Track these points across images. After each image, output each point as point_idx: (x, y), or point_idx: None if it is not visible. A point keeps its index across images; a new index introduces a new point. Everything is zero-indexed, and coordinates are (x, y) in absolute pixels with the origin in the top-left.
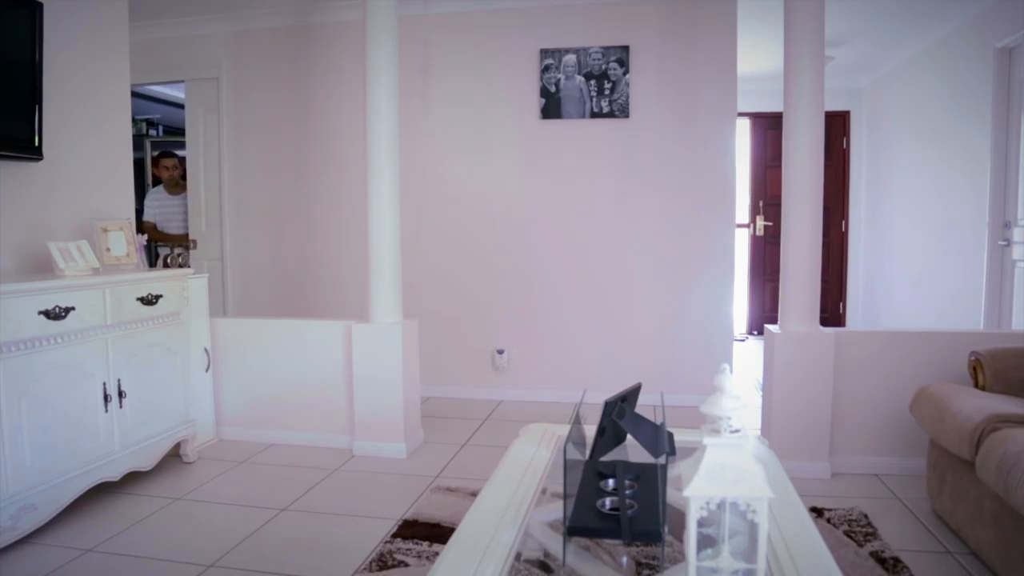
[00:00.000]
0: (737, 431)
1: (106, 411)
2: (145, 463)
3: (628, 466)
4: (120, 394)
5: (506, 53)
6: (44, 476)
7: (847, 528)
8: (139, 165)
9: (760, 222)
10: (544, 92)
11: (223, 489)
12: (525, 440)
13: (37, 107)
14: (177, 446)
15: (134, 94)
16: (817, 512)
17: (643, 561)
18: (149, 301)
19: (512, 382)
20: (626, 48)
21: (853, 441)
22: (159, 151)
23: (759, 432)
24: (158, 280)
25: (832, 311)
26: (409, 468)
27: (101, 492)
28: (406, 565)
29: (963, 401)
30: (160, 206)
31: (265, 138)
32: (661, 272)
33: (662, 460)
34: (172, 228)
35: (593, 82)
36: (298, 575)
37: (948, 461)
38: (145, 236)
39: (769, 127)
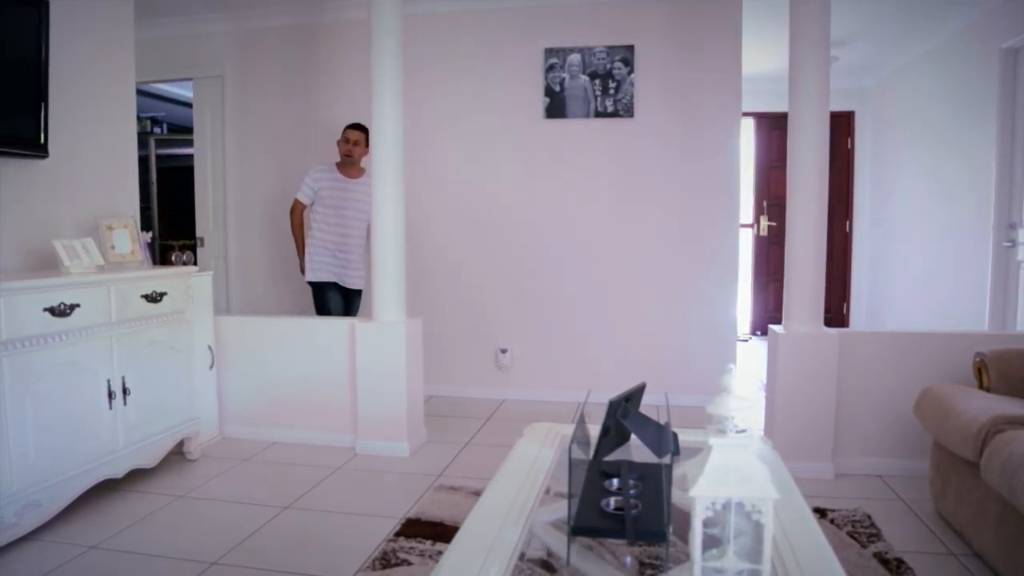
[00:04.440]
0: (743, 431)
1: (110, 408)
2: (148, 461)
3: (632, 466)
4: (124, 391)
5: (510, 52)
6: (48, 473)
7: (850, 529)
8: (143, 163)
9: (764, 222)
10: (548, 91)
11: (226, 487)
12: (529, 439)
13: (42, 105)
14: (180, 444)
15: (138, 92)
16: (820, 513)
17: (646, 561)
18: (153, 299)
19: (515, 381)
20: (631, 48)
21: (856, 442)
22: (349, 123)
23: (762, 432)
24: (162, 278)
25: (835, 311)
26: (412, 467)
27: (104, 489)
28: (409, 564)
29: (967, 402)
30: (327, 186)
31: (269, 137)
32: (664, 271)
33: (666, 460)
34: (349, 223)
35: (597, 81)
36: (301, 573)
37: (952, 462)
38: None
39: (773, 127)
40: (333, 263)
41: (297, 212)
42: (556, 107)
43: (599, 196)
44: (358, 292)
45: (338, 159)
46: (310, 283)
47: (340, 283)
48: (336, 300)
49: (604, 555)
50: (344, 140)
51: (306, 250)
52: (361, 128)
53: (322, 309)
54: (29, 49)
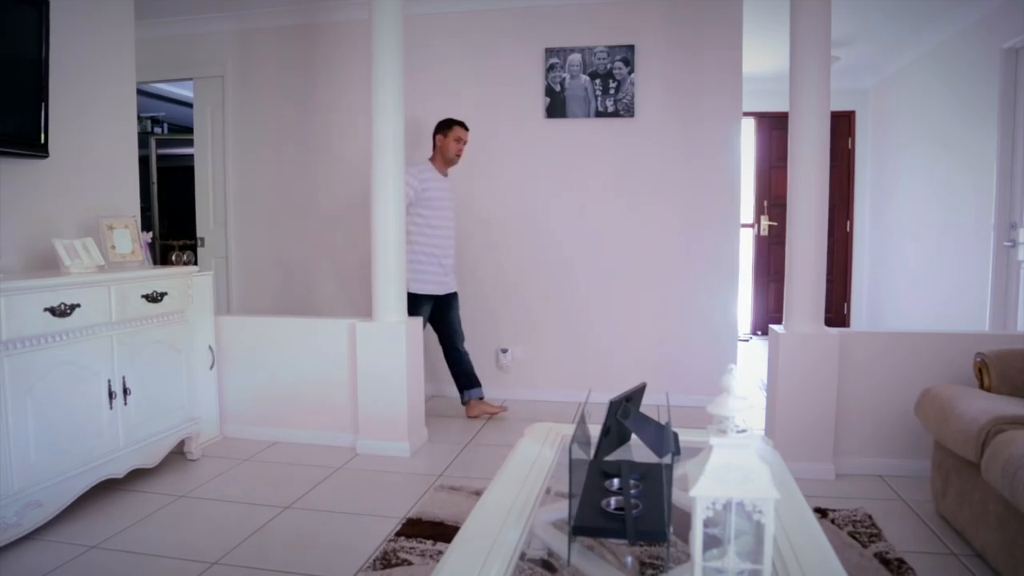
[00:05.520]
0: (744, 431)
1: (111, 408)
2: (149, 460)
3: (633, 466)
4: (125, 391)
5: (511, 52)
6: (49, 473)
7: (851, 529)
8: (144, 162)
9: (764, 222)
10: (549, 91)
11: (227, 487)
12: (530, 439)
13: (43, 105)
14: (181, 443)
15: (139, 92)
16: (821, 513)
17: (647, 561)
18: (154, 299)
19: (516, 381)
20: (631, 47)
21: (857, 442)
22: (448, 118)
23: (763, 432)
24: (163, 277)
25: (836, 311)
26: (413, 467)
27: (105, 489)
28: (410, 564)
29: (968, 402)
30: (434, 186)
31: (269, 137)
32: (665, 271)
33: (667, 460)
34: (452, 224)
35: (598, 81)
36: (302, 573)
37: (953, 463)
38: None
39: (774, 127)
40: (439, 272)
41: None
42: (557, 107)
43: (599, 196)
44: (455, 293)
45: (429, 156)
46: (408, 293)
47: (441, 292)
48: (428, 313)
49: (605, 555)
50: (456, 139)
51: (406, 258)
52: (468, 128)
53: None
54: (30, 49)
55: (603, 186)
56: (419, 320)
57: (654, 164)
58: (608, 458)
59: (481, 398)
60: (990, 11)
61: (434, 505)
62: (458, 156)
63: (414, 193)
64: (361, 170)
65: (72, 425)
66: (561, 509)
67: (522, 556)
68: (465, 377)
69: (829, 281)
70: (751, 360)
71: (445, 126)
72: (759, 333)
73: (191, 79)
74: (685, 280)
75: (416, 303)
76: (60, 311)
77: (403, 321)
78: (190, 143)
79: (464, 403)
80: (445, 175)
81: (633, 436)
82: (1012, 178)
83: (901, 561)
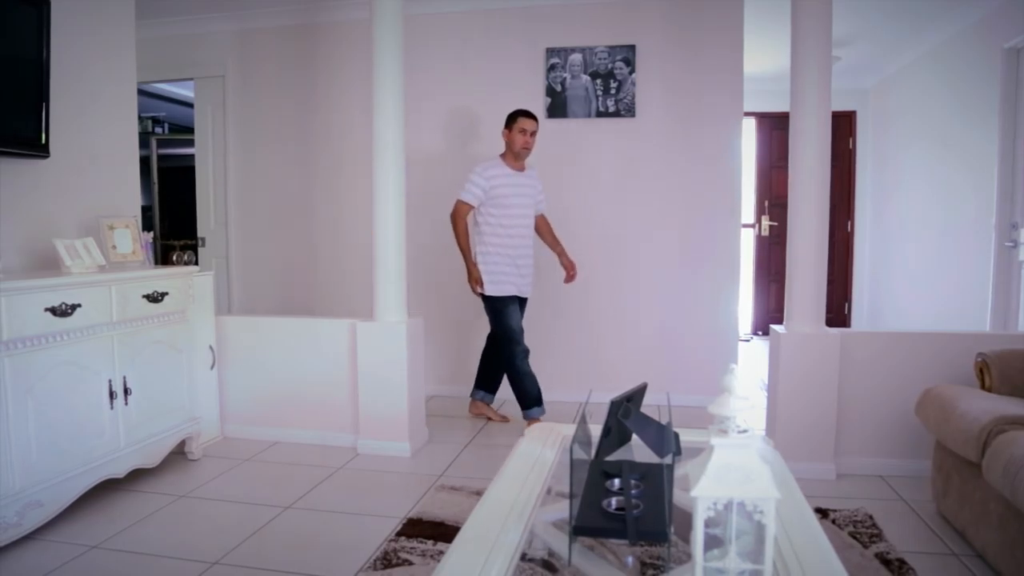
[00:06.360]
0: (745, 431)
1: (111, 408)
2: (150, 460)
3: (634, 466)
4: (125, 391)
5: (512, 52)
6: (50, 473)
7: (852, 529)
8: (145, 162)
9: (765, 222)
10: (550, 91)
11: (227, 487)
12: (530, 440)
13: (44, 105)
14: (182, 443)
15: (140, 92)
16: (822, 513)
17: (648, 561)
18: (155, 299)
19: None
20: (632, 47)
21: (858, 442)
22: (513, 110)
23: (763, 432)
24: (164, 277)
25: (837, 311)
26: (413, 467)
27: (106, 489)
28: (410, 564)
29: (969, 403)
30: (503, 183)
31: (270, 137)
32: (666, 271)
33: (668, 460)
34: (526, 223)
35: (599, 81)
36: (302, 573)
37: (954, 463)
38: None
39: (775, 127)
40: (514, 274)
41: (463, 217)
42: (558, 107)
43: (600, 196)
44: (525, 299)
45: (501, 152)
46: (488, 297)
47: (518, 294)
48: (518, 313)
49: (606, 555)
50: (520, 131)
51: (480, 260)
52: (536, 117)
53: (506, 323)
54: (30, 49)
55: (604, 186)
56: (420, 320)
57: (655, 164)
58: (609, 458)
59: (489, 404)
60: (990, 11)
61: (435, 505)
62: (525, 148)
63: (482, 192)
64: (361, 170)
65: (73, 425)
66: (562, 509)
67: (523, 556)
68: (490, 380)
69: (830, 281)
70: (752, 360)
71: (510, 119)
72: (760, 333)
73: (192, 79)
74: (686, 280)
75: (498, 305)
76: (61, 311)
77: (403, 321)
78: (191, 143)
79: (472, 398)
80: (520, 169)
81: (634, 436)
82: (1013, 178)
83: (902, 561)
